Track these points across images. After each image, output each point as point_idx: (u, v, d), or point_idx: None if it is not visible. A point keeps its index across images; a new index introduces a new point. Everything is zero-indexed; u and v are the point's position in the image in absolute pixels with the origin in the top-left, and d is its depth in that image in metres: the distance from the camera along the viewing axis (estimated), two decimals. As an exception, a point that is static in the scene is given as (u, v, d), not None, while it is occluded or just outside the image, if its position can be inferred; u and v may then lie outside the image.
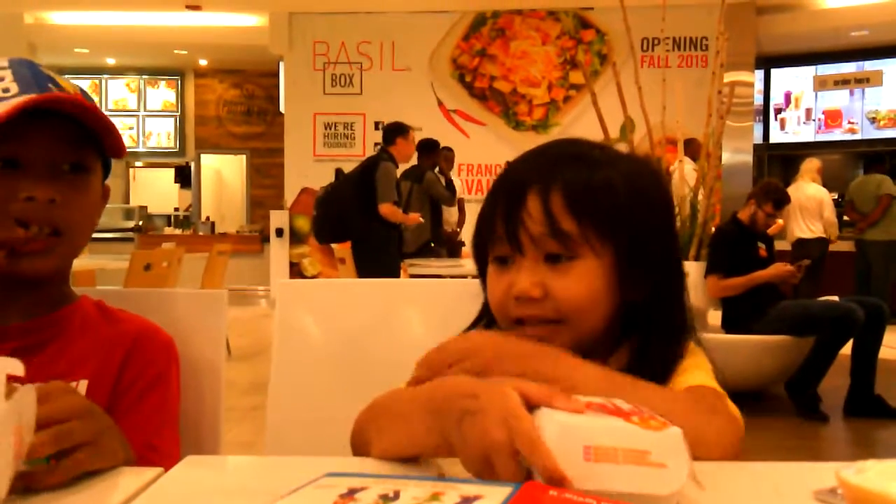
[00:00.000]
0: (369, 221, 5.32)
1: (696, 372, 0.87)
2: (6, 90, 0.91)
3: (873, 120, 10.36)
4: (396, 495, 0.53)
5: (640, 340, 0.89)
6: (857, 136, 10.40)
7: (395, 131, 5.60)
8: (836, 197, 7.79)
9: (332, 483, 0.56)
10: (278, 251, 9.58)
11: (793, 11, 9.33)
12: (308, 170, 9.57)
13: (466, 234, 7.33)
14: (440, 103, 9.55)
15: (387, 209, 5.31)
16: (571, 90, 9.49)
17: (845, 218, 8.01)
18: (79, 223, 0.95)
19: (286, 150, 9.81)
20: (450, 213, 6.88)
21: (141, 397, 0.99)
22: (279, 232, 9.53)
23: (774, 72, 10.63)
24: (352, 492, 0.54)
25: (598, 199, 0.85)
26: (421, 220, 5.85)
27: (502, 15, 9.52)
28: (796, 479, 0.57)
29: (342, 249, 5.69)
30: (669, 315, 0.90)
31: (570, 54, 9.47)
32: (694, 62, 9.15)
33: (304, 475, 0.58)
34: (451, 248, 6.94)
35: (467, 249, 7.24)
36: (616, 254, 0.86)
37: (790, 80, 10.66)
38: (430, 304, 1.30)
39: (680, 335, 0.90)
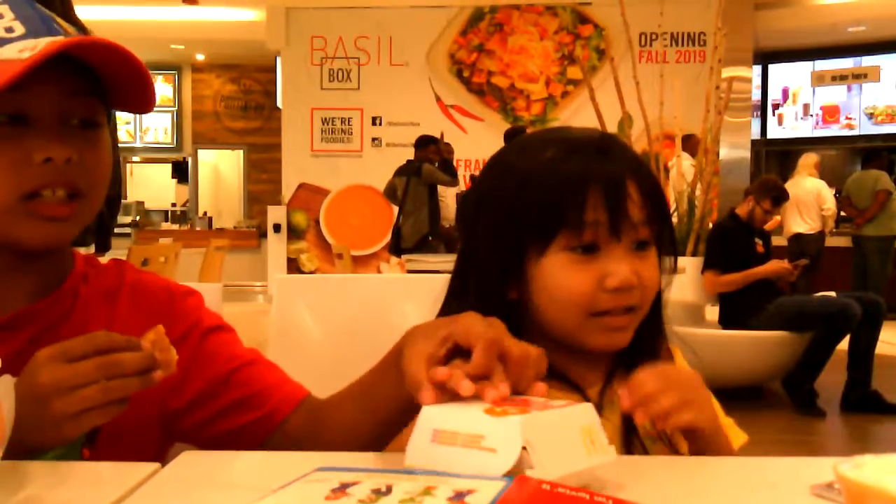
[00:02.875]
0: None
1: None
2: (9, 29, 0.78)
3: (871, 115, 10.36)
4: (388, 490, 0.52)
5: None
6: (855, 132, 10.39)
7: (515, 134, 5.86)
8: (834, 193, 7.80)
9: (323, 477, 0.56)
10: (276, 247, 9.57)
11: (790, 7, 9.32)
12: (306, 165, 9.56)
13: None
14: (438, 99, 9.54)
15: None
16: (569, 85, 9.48)
17: (842, 213, 8.02)
18: (97, 184, 0.84)
19: (284, 146, 9.79)
20: (447, 207, 6.87)
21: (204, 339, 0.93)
22: (276, 227, 9.52)
23: (772, 67, 10.63)
24: (343, 486, 0.53)
25: (657, 183, 0.89)
26: None
27: (500, 10, 9.51)
28: (792, 474, 0.57)
29: (340, 245, 5.69)
30: (658, 306, 0.92)
31: (568, 49, 9.45)
32: (692, 58, 9.14)
33: (297, 470, 0.58)
34: (449, 242, 6.94)
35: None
36: (657, 243, 0.89)
37: (788, 76, 10.65)
38: (428, 299, 1.29)
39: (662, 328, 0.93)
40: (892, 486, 0.35)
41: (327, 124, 9.62)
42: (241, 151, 12.37)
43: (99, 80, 0.83)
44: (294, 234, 9.58)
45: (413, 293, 1.30)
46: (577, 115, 8.97)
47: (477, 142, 9.26)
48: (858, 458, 0.40)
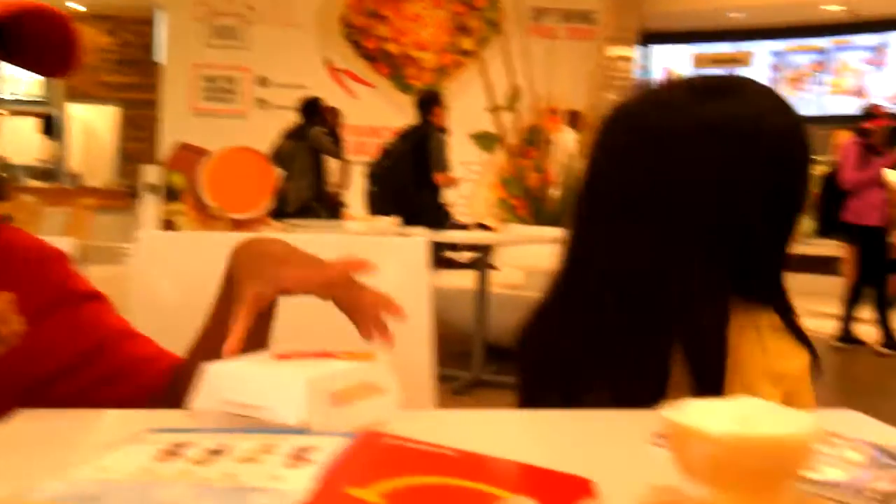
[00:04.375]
0: (425, 192, 5.52)
1: None
2: None
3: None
4: (224, 450, 0.50)
5: None
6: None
7: (432, 101, 5.72)
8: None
9: (154, 439, 0.53)
10: (150, 207, 9.16)
11: (676, -10, 9.62)
12: (187, 124, 9.17)
13: (350, 194, 7.22)
14: (328, 62, 9.34)
15: (442, 177, 5.51)
16: (461, 56, 9.47)
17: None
18: None
19: (163, 103, 9.36)
20: (331, 173, 6.75)
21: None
22: (152, 188, 9.11)
23: (656, 48, 10.95)
24: (177, 447, 0.50)
25: None
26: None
27: (394, -25, 9.38)
28: (639, 425, 0.58)
29: (217, 207, 5.51)
30: None
31: (462, 20, 9.43)
32: (582, 35, 9.29)
33: (134, 429, 0.55)
34: (333, 208, 6.82)
35: (350, 211, 7.16)
36: None
37: (669, 58, 11.01)
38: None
39: None
40: (709, 426, 0.37)
41: (211, 83, 9.26)
42: (116, 107, 11.75)
43: None
44: (171, 195, 9.19)
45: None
46: (468, 85, 8.96)
47: (367, 108, 9.14)
48: (685, 403, 0.41)
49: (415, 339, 1.21)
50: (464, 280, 4.53)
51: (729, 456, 0.37)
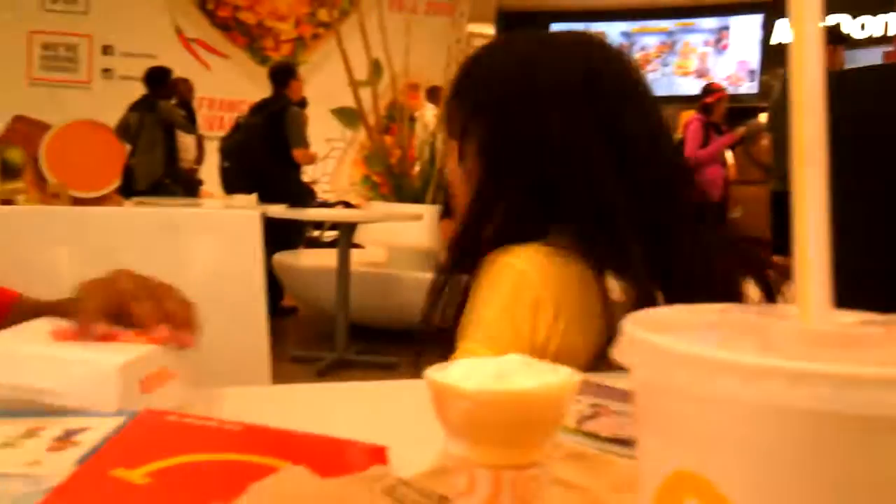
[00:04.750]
0: (283, 169, 5.29)
1: (468, 332, 0.84)
2: None
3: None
4: None
5: None
6: (584, 93, 11.25)
7: (285, 72, 5.51)
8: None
9: None
10: (-15, 185, 8.49)
11: (531, -32, 9.80)
12: (22, 95, 8.50)
13: (205, 171, 6.95)
14: (178, 31, 8.90)
15: (300, 154, 5.29)
16: (320, 28, 9.27)
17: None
18: None
19: (-6, 72, 8.64)
20: (186, 149, 6.47)
21: None
22: (-14, 164, 8.44)
23: (512, 26, 11.14)
24: None
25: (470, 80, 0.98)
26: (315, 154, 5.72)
27: (246, -58, 9.03)
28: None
29: (56, 184, 5.17)
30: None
31: (319, -10, 9.22)
32: (441, 10, 9.30)
33: None
34: (189, 186, 6.54)
35: (207, 188, 6.91)
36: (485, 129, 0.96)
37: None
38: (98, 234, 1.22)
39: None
40: (465, 383, 0.38)
41: (49, 50, 8.62)
42: (-58, 75, 10.77)
43: None
44: (8, 172, 8.53)
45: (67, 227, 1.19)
46: (328, 58, 8.78)
47: (222, 79, 8.79)
48: (452, 363, 0.43)
49: (249, 316, 1.22)
50: (328, 259, 4.47)
51: (482, 411, 0.38)
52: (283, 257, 4.83)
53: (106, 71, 8.76)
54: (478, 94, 0.90)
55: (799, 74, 0.27)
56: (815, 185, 0.26)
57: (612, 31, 10.78)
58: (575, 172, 0.83)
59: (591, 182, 0.83)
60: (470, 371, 0.41)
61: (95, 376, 0.55)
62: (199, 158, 6.87)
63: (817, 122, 0.27)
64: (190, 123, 6.29)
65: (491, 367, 0.41)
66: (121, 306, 0.70)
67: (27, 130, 8.52)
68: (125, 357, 0.58)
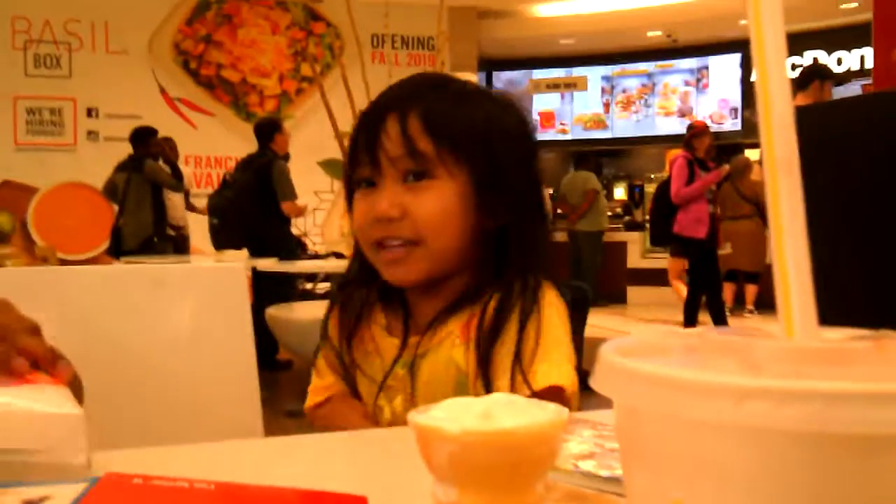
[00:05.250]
0: (273, 222, 5.28)
1: (555, 355, 0.89)
2: None
3: (580, 122, 11.36)
4: None
5: (498, 266, 0.93)
6: (568, 137, 11.35)
7: (270, 127, 5.51)
8: (550, 192, 8.43)
9: None
10: (-28, 251, 8.45)
11: (510, 17, 9.95)
12: (9, 160, 8.52)
13: (194, 228, 6.94)
14: (162, 90, 8.97)
15: (289, 207, 5.29)
16: (304, 82, 9.36)
17: (559, 211, 8.70)
18: None
19: (-20, 138, 8.67)
20: (174, 207, 6.47)
21: None
22: (-26, 230, 8.41)
23: (496, 74, 11.28)
24: None
25: (454, 122, 0.91)
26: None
27: (228, 1, 9.15)
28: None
29: (44, 247, 5.15)
30: (528, 246, 0.94)
31: (301, 46, 9.33)
32: (422, 61, 9.41)
33: None
34: (178, 243, 6.53)
35: (197, 245, 6.90)
36: (472, 178, 0.91)
37: (509, 83, 11.37)
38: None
39: (538, 264, 0.95)
40: (448, 425, 0.37)
41: (34, 115, 8.66)
42: (-72, 144, 10.79)
43: None
44: (-5, 238, 8.52)
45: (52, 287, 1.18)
46: (313, 112, 8.87)
47: (207, 137, 8.84)
48: (434, 405, 0.42)
49: (239, 369, 1.20)
50: (322, 311, 4.42)
51: (469, 453, 0.37)
52: (276, 311, 4.79)
53: (91, 133, 8.80)
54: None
55: (764, 79, 0.27)
56: (790, 195, 0.26)
57: (593, 76, 10.93)
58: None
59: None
60: (454, 412, 0.40)
61: (62, 427, 0.50)
62: (189, 208, 6.88)
63: (789, 138, 0.27)
64: (177, 181, 6.31)
65: (476, 406, 0.40)
66: None
67: (14, 195, 8.53)
68: (71, 401, 0.53)
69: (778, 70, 0.29)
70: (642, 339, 0.29)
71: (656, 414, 0.24)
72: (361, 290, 1.00)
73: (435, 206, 0.90)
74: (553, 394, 0.86)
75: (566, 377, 0.89)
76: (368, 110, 0.96)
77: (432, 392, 0.91)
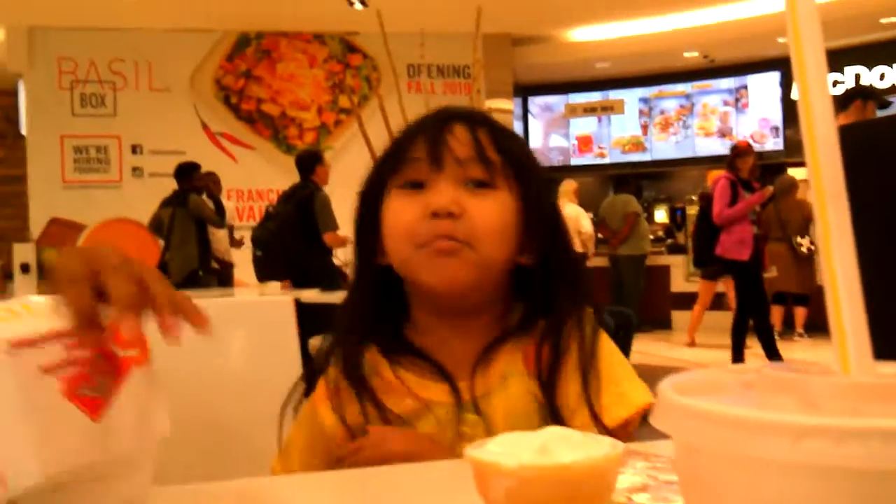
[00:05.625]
0: (315, 253, 5.35)
1: (626, 384, 0.91)
2: None
3: (619, 145, 11.32)
4: None
5: (543, 303, 0.92)
6: (606, 160, 11.30)
7: (312, 159, 5.60)
8: (591, 216, 8.39)
9: None
10: (24, 288, 8.65)
11: (545, 43, 9.98)
12: (57, 198, 8.75)
13: (237, 260, 7.03)
14: (204, 126, 9.15)
15: (331, 237, 5.36)
16: (342, 114, 9.48)
17: (599, 235, 8.64)
18: None
19: (30, 177, 8.91)
20: (218, 240, 6.58)
21: None
22: (25, 267, 8.61)
23: (531, 99, 11.30)
24: None
25: (513, 141, 0.95)
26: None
27: (266, 36, 9.33)
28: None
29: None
30: (571, 277, 0.94)
31: (339, 78, 9.46)
32: (458, 89, 9.48)
33: None
34: (223, 276, 6.63)
35: (240, 277, 6.99)
36: (522, 198, 0.91)
37: (546, 108, 11.39)
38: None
39: (583, 303, 0.94)
40: (505, 460, 0.38)
41: (81, 153, 8.90)
42: (-20, 184, 11.12)
43: None
44: (45, 274, 8.72)
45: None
46: (351, 143, 8.97)
47: (248, 171, 8.99)
48: (489, 440, 0.42)
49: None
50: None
51: (526, 488, 0.37)
52: (319, 341, 4.83)
53: (136, 169, 9.00)
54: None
55: (808, 114, 0.27)
56: (839, 218, 0.26)
57: (630, 98, 10.90)
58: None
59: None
60: (510, 447, 0.40)
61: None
62: (232, 246, 6.98)
63: (834, 157, 0.27)
64: (219, 218, 6.41)
65: (533, 441, 0.40)
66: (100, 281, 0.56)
67: (62, 232, 8.74)
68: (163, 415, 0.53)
69: (821, 97, 0.29)
70: (700, 376, 0.29)
71: (715, 451, 0.25)
72: (363, 346, 0.93)
73: (494, 212, 0.89)
74: (623, 426, 0.87)
75: (644, 395, 0.89)
76: (429, 116, 0.95)
77: (518, 429, 0.87)
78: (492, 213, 0.88)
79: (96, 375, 0.51)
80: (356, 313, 0.96)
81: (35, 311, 0.51)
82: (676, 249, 9.49)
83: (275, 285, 4.96)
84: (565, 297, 0.92)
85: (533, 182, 0.93)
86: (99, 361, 0.52)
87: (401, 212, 0.90)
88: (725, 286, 7.47)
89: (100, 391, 0.51)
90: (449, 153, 0.89)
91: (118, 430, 0.51)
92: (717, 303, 7.61)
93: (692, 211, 8.97)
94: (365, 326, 0.94)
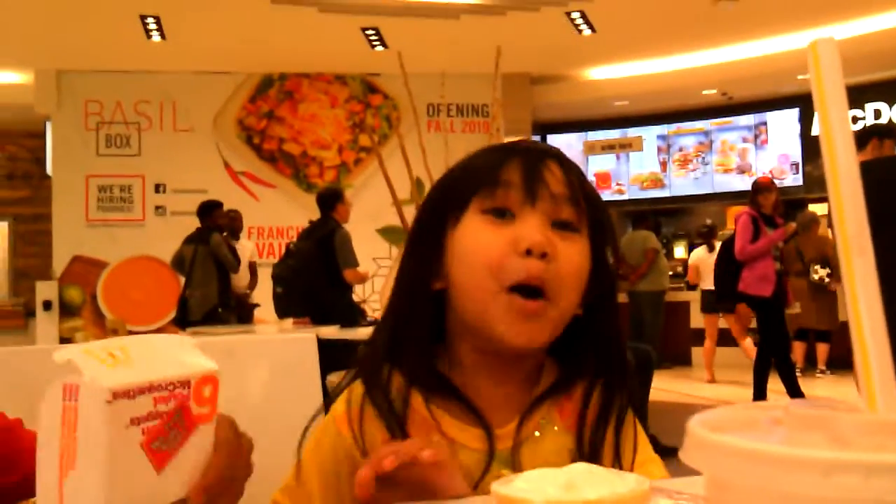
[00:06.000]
0: (335, 290, 5.38)
1: (650, 447, 0.91)
2: None
3: (637, 181, 11.33)
4: None
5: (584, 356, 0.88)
6: (625, 197, 11.30)
7: (333, 197, 5.64)
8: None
9: None
10: (46, 326, 8.71)
11: (563, 82, 10.06)
12: (80, 236, 8.87)
13: (258, 297, 7.07)
14: (227, 165, 9.28)
15: (351, 274, 5.39)
16: (362, 153, 9.58)
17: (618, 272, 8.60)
18: None
19: (55, 216, 9.05)
20: (238, 278, 6.62)
21: None
22: (47, 305, 8.69)
23: (550, 137, 11.37)
24: None
25: (594, 189, 0.90)
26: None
27: (289, 77, 9.48)
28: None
29: (113, 320, 5.29)
30: (616, 332, 0.91)
31: (360, 118, 9.58)
32: (477, 128, 9.56)
33: None
34: (242, 313, 6.66)
35: (260, 314, 7.01)
36: (596, 247, 0.87)
37: (564, 146, 11.44)
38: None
39: (622, 355, 0.90)
40: (532, 496, 0.38)
41: (105, 192, 9.04)
42: (6, 223, 11.29)
43: None
44: (68, 311, 8.77)
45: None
46: (371, 181, 9.05)
47: (269, 209, 9.08)
48: (517, 475, 0.43)
49: None
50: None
51: None
52: (337, 378, 4.83)
53: (159, 208, 9.12)
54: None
55: (833, 167, 0.28)
56: (865, 273, 0.27)
57: (649, 136, 10.93)
58: None
59: None
60: (537, 483, 0.41)
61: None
62: (252, 284, 7.02)
63: (859, 212, 0.28)
64: (234, 262, 6.43)
65: (559, 477, 0.41)
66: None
67: (85, 269, 8.80)
68: None
69: (844, 143, 0.30)
70: (729, 413, 0.29)
71: (746, 487, 0.25)
72: (393, 378, 0.87)
73: (576, 260, 0.83)
74: None
75: (662, 472, 0.89)
76: (520, 143, 0.90)
77: None
78: (577, 259, 0.83)
79: (172, 430, 0.54)
80: (400, 335, 0.87)
81: (132, 356, 0.54)
82: (696, 286, 9.44)
83: (289, 322, 4.98)
84: (609, 351, 0.89)
85: (608, 232, 0.89)
86: (177, 416, 0.55)
87: (486, 241, 0.82)
88: (727, 321, 7.41)
89: (169, 445, 0.54)
90: (545, 187, 0.83)
91: (173, 482, 0.54)
92: (732, 339, 7.55)
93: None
94: (404, 349, 0.87)
